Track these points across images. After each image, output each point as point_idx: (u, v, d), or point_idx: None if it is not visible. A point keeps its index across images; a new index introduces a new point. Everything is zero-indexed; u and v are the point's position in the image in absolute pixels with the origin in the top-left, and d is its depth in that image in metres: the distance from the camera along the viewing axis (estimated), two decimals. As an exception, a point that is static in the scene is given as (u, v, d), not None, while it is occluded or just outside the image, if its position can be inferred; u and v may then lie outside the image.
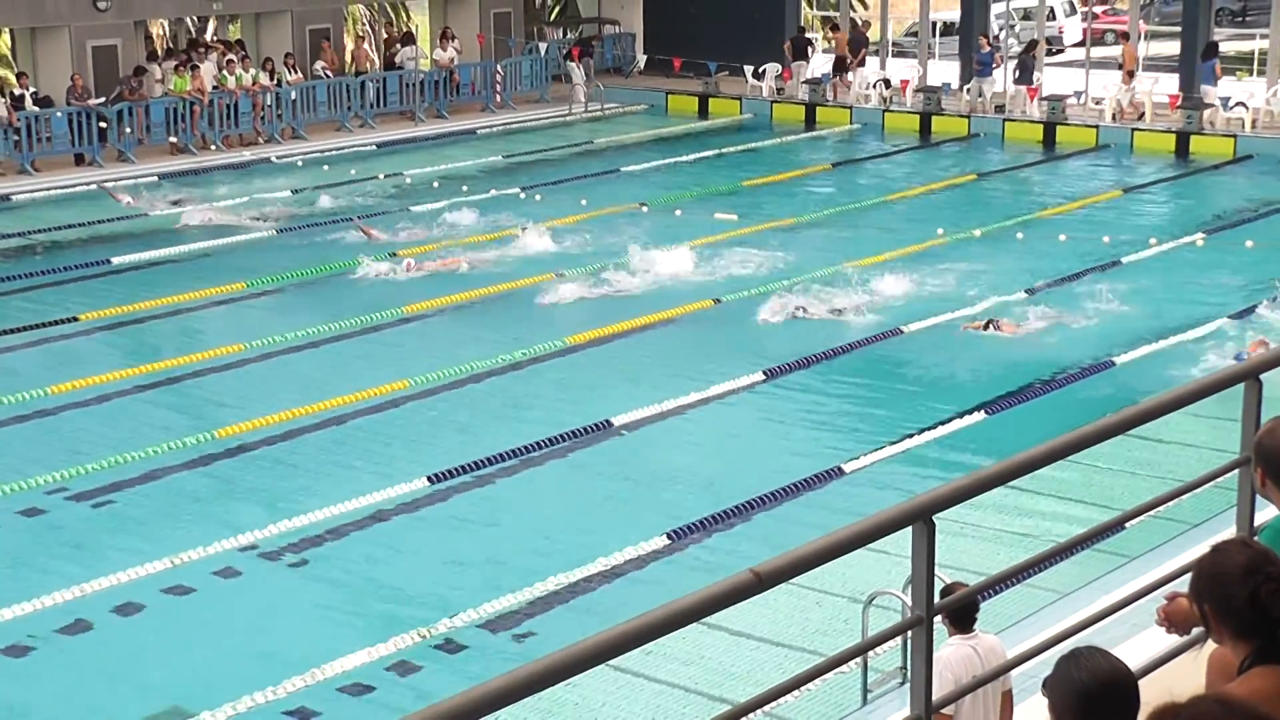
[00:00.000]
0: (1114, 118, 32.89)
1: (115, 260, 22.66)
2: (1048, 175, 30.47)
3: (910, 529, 4.89)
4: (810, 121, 35.35)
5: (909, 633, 5.29)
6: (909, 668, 9.70)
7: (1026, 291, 20.92)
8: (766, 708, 8.69)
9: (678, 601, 4.06)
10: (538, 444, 15.32)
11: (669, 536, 13.25)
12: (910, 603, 8.93)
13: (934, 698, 5.00)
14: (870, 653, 8.85)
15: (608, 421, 16.00)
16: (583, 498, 14.43)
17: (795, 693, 8.90)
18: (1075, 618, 6.58)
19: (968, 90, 34.47)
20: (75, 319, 19.62)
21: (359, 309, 19.99)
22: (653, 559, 12.92)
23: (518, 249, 23.38)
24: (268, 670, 11.03)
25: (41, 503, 14.07)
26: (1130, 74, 33.18)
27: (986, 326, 18.92)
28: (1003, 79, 34.45)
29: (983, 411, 16.14)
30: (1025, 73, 33.96)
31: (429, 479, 14.48)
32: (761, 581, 4.26)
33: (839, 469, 14.70)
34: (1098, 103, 33.64)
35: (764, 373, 17.57)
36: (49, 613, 11.93)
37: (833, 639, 11.20)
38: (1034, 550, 11.88)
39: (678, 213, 26.26)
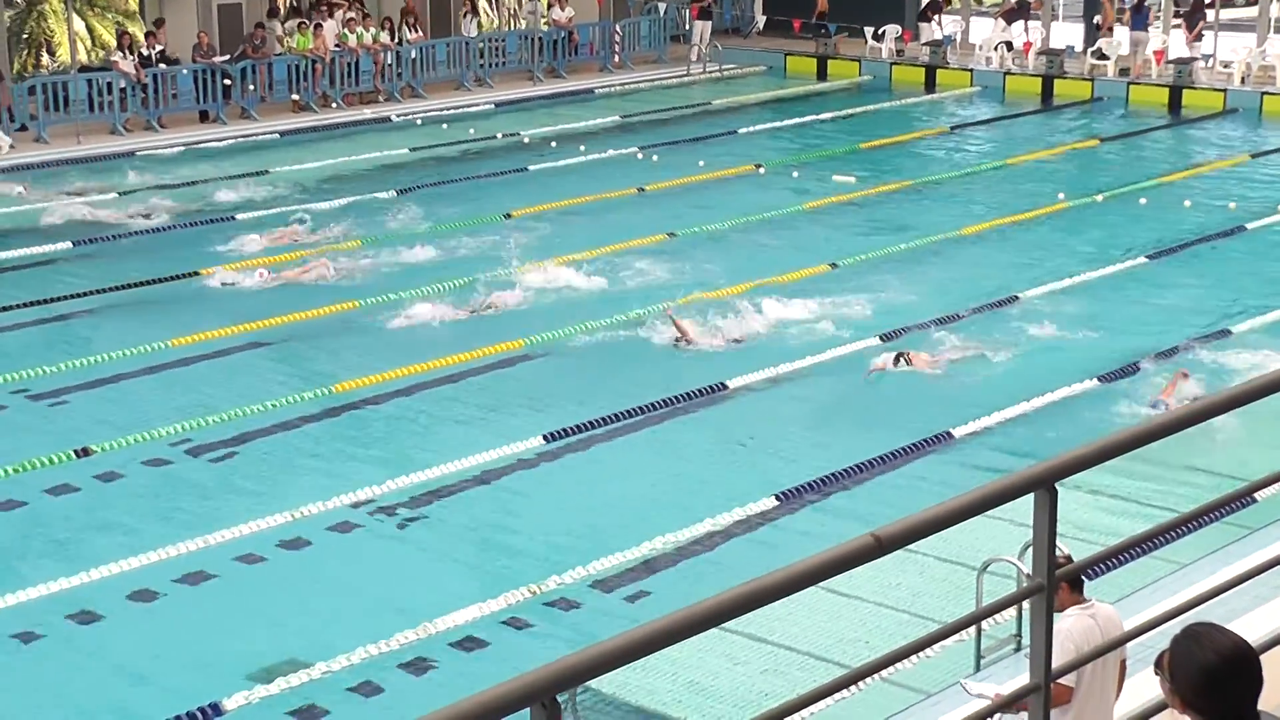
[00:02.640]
0: (1243, 80, 32.19)
1: (239, 217, 22.94)
2: (1174, 139, 29.93)
3: (1031, 495, 4.83)
4: (930, 84, 34.97)
5: (1025, 600, 5.23)
6: (1023, 635, 9.63)
7: (1148, 256, 20.60)
8: (881, 673, 8.65)
9: (797, 564, 4.03)
10: (652, 405, 15.34)
11: (777, 498, 13.25)
12: (1026, 570, 8.87)
13: (1053, 666, 4.93)
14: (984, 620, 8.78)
15: (722, 384, 15.98)
16: (694, 459, 14.40)
17: (909, 659, 8.87)
18: (1195, 590, 6.47)
19: (1107, 46, 33.78)
20: (196, 274, 19.90)
21: (475, 268, 20.09)
22: (761, 521, 12.91)
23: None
24: (381, 623, 11.16)
25: (166, 454, 14.32)
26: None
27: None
28: (1125, 37, 33.81)
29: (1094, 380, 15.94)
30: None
31: (544, 437, 14.54)
32: (881, 545, 4.21)
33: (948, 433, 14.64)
34: (1226, 66, 32.95)
35: (879, 336, 17.47)
36: (171, 563, 12.15)
37: (937, 603, 11.13)
38: (1154, 520, 11.73)
39: (795, 174, 26.12)
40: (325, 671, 10.59)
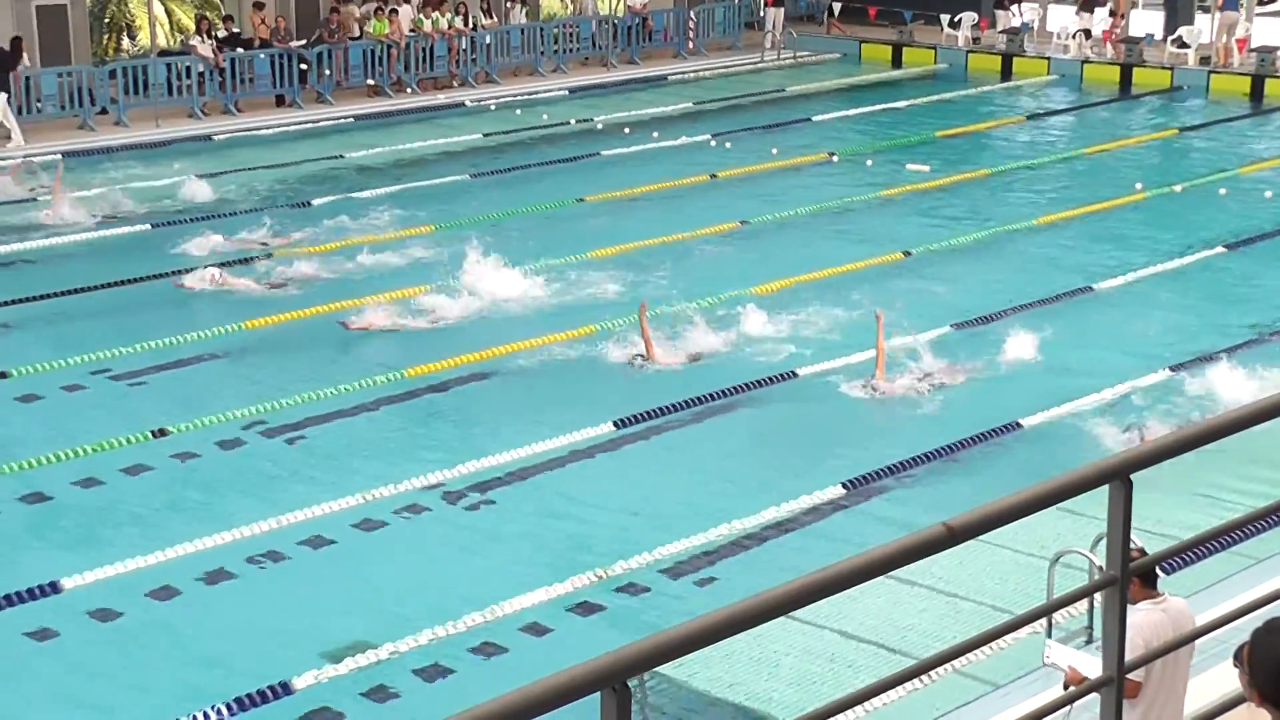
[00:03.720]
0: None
1: (315, 202, 23.10)
2: (1255, 130, 29.55)
3: (1106, 487, 4.79)
4: (1006, 72, 34.71)
5: (1098, 593, 5.19)
6: (1094, 628, 9.56)
7: (1226, 247, 20.36)
8: (950, 664, 8.60)
9: (869, 553, 4.01)
10: (721, 392, 15.33)
11: (844, 486, 13.23)
12: (1099, 563, 8.80)
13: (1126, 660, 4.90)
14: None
15: (792, 372, 15.95)
16: (762, 446, 14.37)
17: (979, 650, 8.83)
18: (1271, 585, 6.41)
19: (1187, 34, 33.38)
20: (270, 255, 20.06)
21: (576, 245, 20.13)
22: (832, 510, 12.89)
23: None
24: (448, 606, 11.23)
25: (240, 436, 14.45)
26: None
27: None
28: (1206, 24, 33.40)
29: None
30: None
31: (614, 423, 14.57)
32: (954, 535, 4.19)
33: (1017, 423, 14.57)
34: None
35: (952, 325, 17.39)
36: (245, 543, 12.27)
37: (1007, 594, 11.06)
38: (1229, 515, 11.60)
39: (868, 163, 26.01)
40: (393, 653, 10.67)
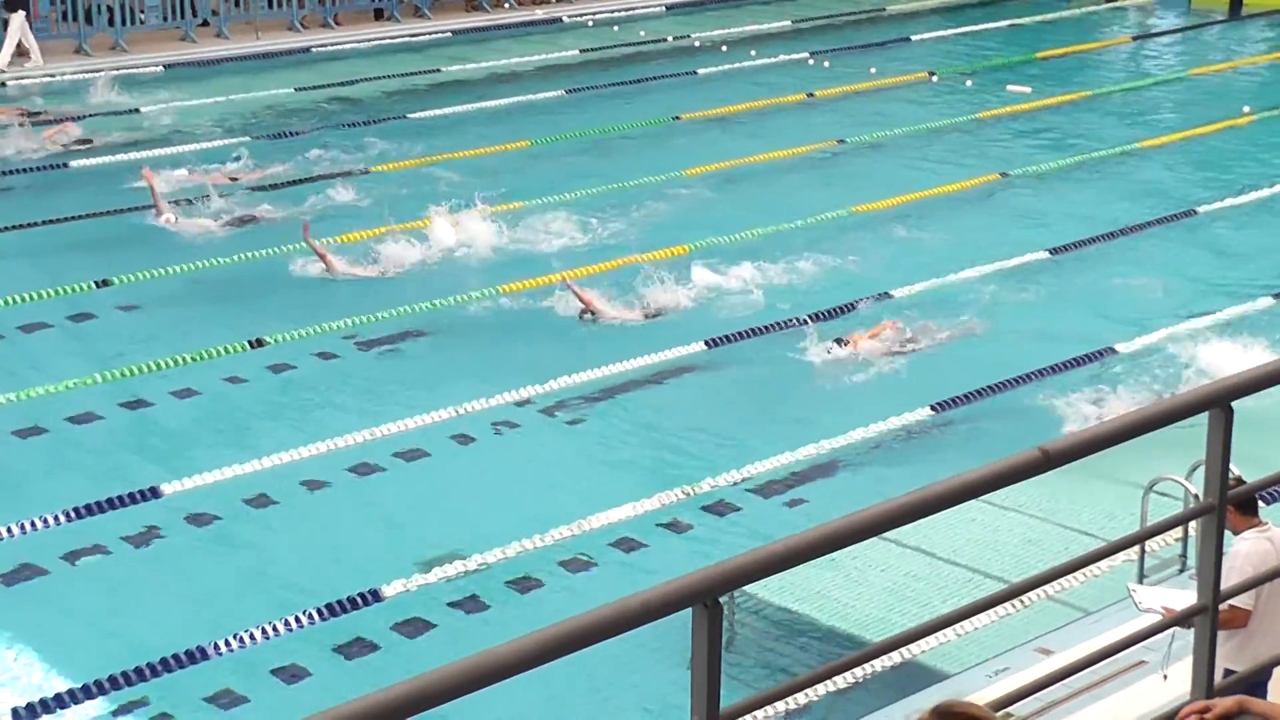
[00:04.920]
0: None
1: (411, 115, 23.14)
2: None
3: (1206, 414, 4.74)
4: (1112, -9, 34.02)
5: (1194, 521, 5.16)
6: (1188, 556, 9.49)
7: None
8: (1043, 589, 8.58)
9: (964, 475, 4.00)
10: (811, 317, 15.26)
11: (932, 409, 13.17)
12: (1194, 490, 8.72)
13: (1224, 587, 4.86)
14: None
15: (887, 293, 15.86)
16: (851, 368, 14.28)
17: (1071, 576, 8.80)
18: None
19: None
20: (367, 172, 20.13)
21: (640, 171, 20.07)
22: (923, 432, 12.84)
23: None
24: (538, 520, 11.34)
25: (336, 348, 14.59)
26: None
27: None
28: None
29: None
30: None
31: (705, 344, 14.56)
32: (1049, 459, 4.17)
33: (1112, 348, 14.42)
34: None
35: (1048, 250, 17.20)
36: (339, 454, 12.43)
37: (1099, 522, 10.99)
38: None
39: (969, 83, 25.65)
40: (482, 564, 10.80)
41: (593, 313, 15.15)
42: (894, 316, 15.13)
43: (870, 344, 14.32)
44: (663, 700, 9.30)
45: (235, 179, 19.43)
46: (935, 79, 25.94)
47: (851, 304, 15.54)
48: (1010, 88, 25.06)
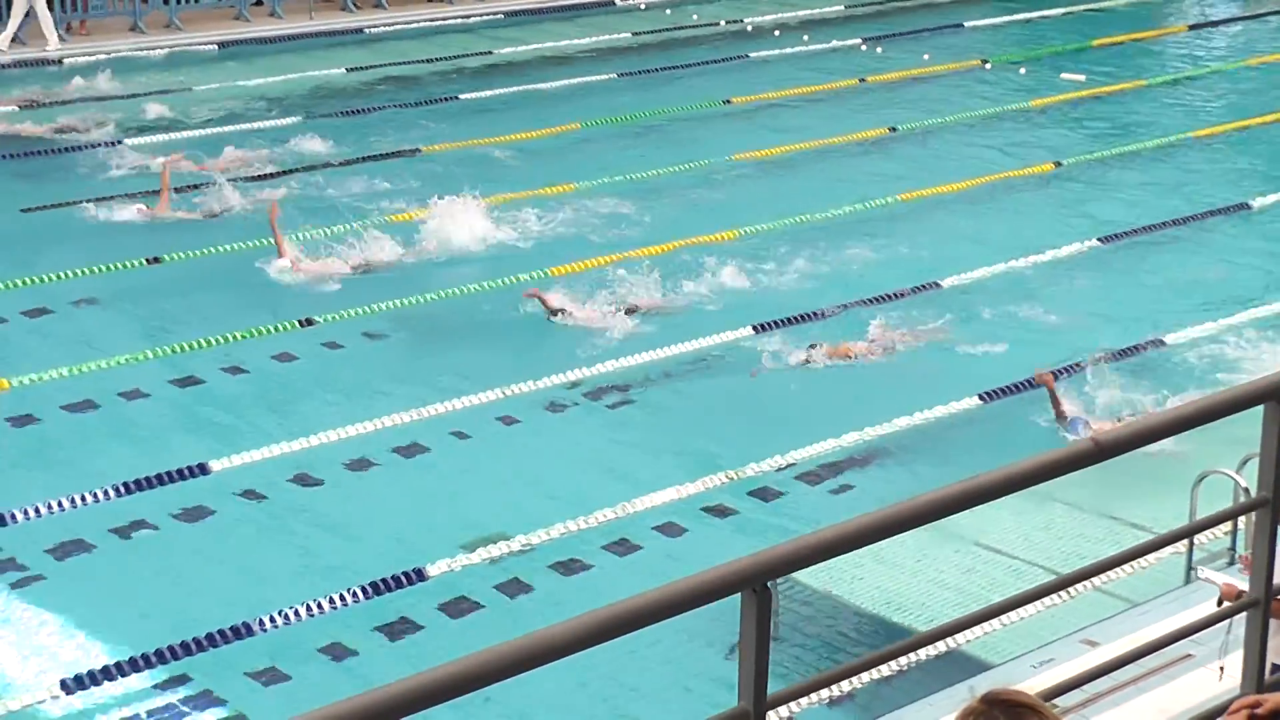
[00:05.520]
0: None
1: (462, 96, 23.16)
2: None
3: (1261, 408, 4.70)
4: (1169, -20, 33.73)
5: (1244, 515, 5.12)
6: (1236, 550, 9.41)
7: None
8: (1093, 581, 8.53)
9: (1015, 465, 3.98)
10: (865, 301, 15.23)
11: (980, 398, 13.12)
12: (1244, 484, 8.65)
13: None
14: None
15: (935, 283, 15.80)
16: (900, 356, 14.22)
17: (1120, 568, 8.74)
18: None
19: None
20: (418, 150, 20.18)
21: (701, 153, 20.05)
22: (966, 421, 12.80)
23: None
24: (580, 502, 11.36)
25: (383, 328, 14.64)
26: None
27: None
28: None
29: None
30: None
31: (753, 328, 14.54)
32: (1101, 450, 4.15)
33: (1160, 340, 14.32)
34: None
35: (1099, 239, 17.09)
36: (386, 433, 12.48)
37: (1148, 514, 10.93)
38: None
39: (1021, 70, 25.49)
40: (526, 545, 10.82)
41: (557, 312, 14.70)
42: (943, 304, 15.07)
43: (897, 338, 14.22)
44: (699, 685, 9.30)
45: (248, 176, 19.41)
46: (988, 66, 25.79)
47: (900, 292, 15.47)
48: (1064, 76, 24.89)
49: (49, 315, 14.79)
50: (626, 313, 14.84)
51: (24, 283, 15.37)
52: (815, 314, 14.89)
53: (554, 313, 14.69)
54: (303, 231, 16.73)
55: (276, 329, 14.39)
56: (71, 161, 18.93)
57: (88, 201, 17.61)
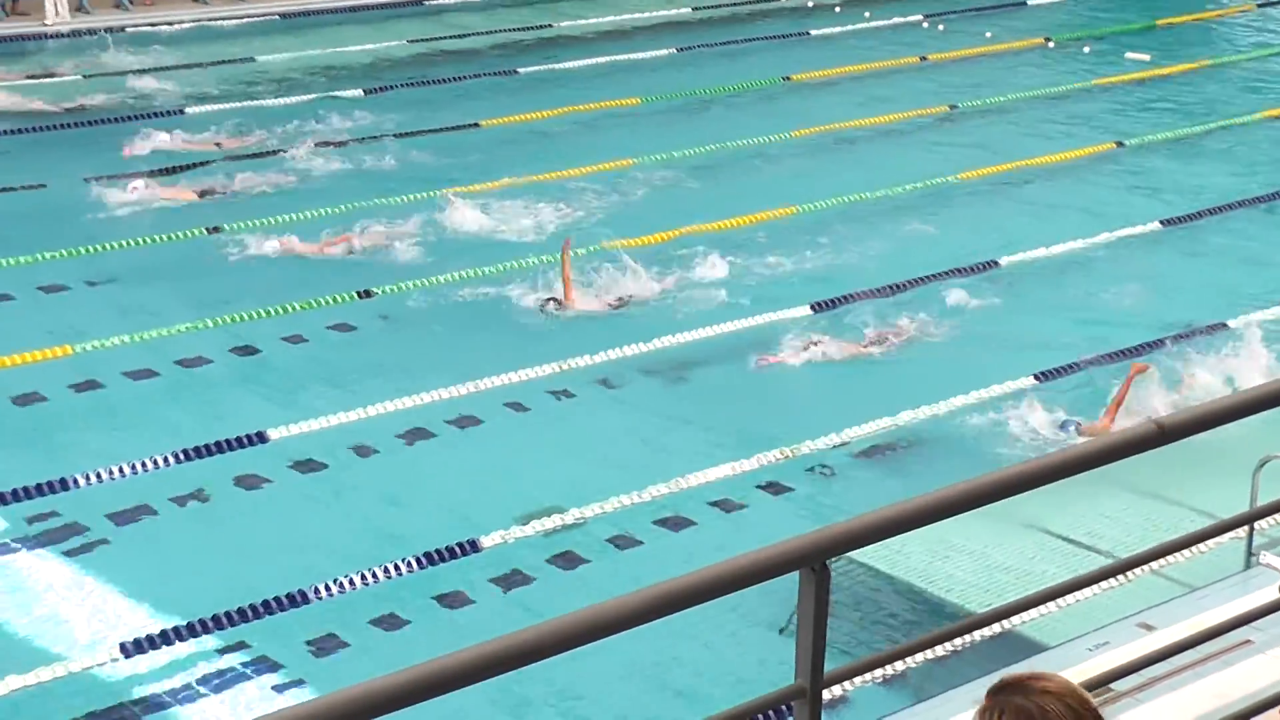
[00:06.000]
0: None
1: (522, 71, 23.17)
2: None
3: (1327, 394, 4.65)
4: (1236, -41, 33.33)
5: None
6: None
7: None
8: (1150, 565, 8.45)
9: (1077, 448, 3.96)
10: (927, 277, 15.15)
11: (1035, 378, 13.06)
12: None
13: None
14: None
15: (994, 261, 15.71)
16: (956, 335, 14.15)
17: (1179, 553, 8.67)
18: None
19: None
20: (477, 125, 20.20)
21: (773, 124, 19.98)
22: (1022, 401, 12.73)
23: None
24: (633, 477, 11.38)
25: (441, 299, 14.68)
26: None
27: None
28: None
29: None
30: None
31: (811, 307, 14.50)
32: (1164, 434, 4.12)
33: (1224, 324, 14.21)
34: None
35: (1161, 220, 16.93)
36: (442, 405, 12.53)
37: (1207, 499, 10.84)
38: None
39: (1085, 49, 25.27)
40: (579, 519, 10.85)
41: (550, 301, 14.51)
42: (1002, 283, 14.99)
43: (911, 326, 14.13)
44: (749, 661, 9.30)
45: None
46: (1051, 45, 25.58)
47: (959, 269, 15.40)
48: (1129, 55, 24.66)
49: (112, 284, 14.90)
50: (680, 289, 14.82)
51: (87, 250, 15.51)
52: (873, 292, 14.83)
53: (547, 302, 14.44)
54: (366, 201, 16.79)
55: (335, 300, 14.46)
56: (132, 131, 19.01)
57: (150, 172, 17.73)
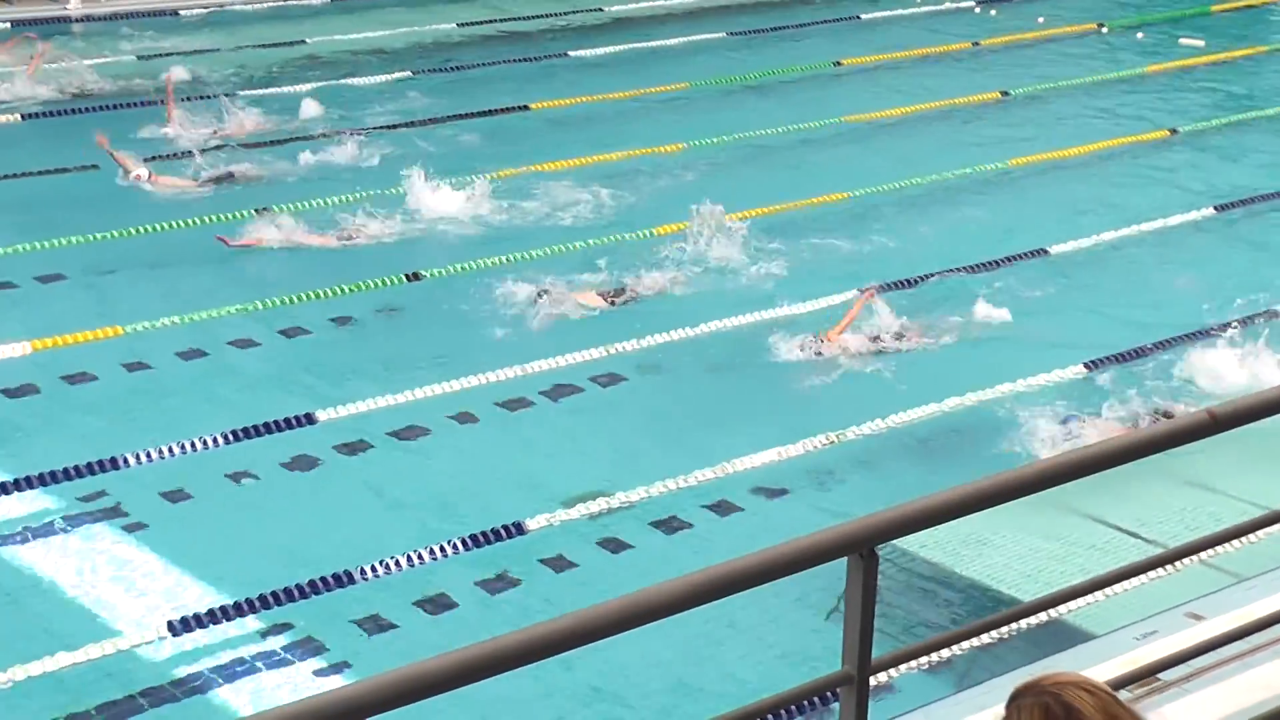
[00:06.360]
0: None
1: (572, 54, 23.16)
2: None
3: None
4: (1293, -56, 32.98)
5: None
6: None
7: None
8: (1200, 555, 8.41)
9: (1127, 436, 3.94)
10: (977, 266, 15.09)
11: (1085, 366, 12.98)
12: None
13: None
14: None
15: (1043, 249, 15.62)
16: (1008, 323, 14.06)
17: (1227, 544, 8.62)
18: None
19: None
20: (526, 108, 20.21)
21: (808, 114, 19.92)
22: (1069, 390, 12.66)
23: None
24: (679, 461, 11.37)
25: (488, 283, 14.68)
26: None
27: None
28: None
29: None
30: None
31: (861, 292, 14.45)
32: (1216, 423, 4.08)
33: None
34: None
35: (1214, 207, 16.81)
36: (489, 388, 12.55)
37: (1250, 486, 10.76)
38: None
39: (1139, 35, 25.07)
40: (625, 503, 10.85)
41: (541, 293, 14.26)
42: (1053, 271, 14.92)
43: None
44: (794, 647, 9.29)
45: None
46: (1104, 30, 25.39)
47: (1009, 257, 15.31)
48: (1182, 41, 24.46)
49: (162, 267, 14.98)
50: (726, 273, 14.79)
51: (138, 231, 15.59)
52: (923, 278, 14.77)
53: (539, 294, 14.18)
54: (414, 184, 16.82)
55: (383, 283, 14.50)
56: (179, 113, 19.08)
57: (209, 150, 17.82)
